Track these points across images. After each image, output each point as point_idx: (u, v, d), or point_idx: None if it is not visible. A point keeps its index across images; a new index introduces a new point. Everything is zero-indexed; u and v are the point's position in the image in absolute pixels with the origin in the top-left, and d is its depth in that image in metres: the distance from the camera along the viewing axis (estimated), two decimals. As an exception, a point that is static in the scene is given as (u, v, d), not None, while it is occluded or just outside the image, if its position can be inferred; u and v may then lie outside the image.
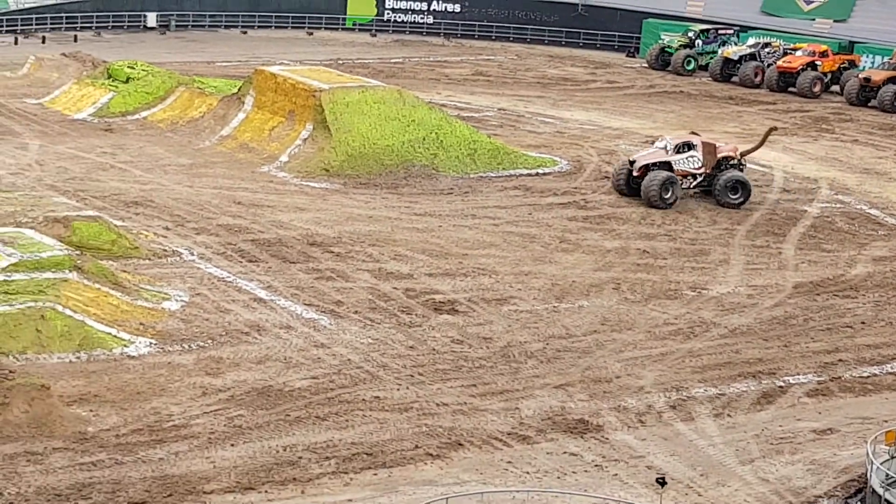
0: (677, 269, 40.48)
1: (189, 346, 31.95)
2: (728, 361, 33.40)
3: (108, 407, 28.31)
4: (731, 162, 48.59)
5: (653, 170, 47.30)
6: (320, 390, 29.84)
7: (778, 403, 31.12)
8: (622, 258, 41.24)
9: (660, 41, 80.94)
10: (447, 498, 23.79)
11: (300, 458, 26.66)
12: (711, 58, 77.54)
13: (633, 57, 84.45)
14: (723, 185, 47.72)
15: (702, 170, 47.87)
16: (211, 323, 33.50)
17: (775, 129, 53.65)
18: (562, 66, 79.80)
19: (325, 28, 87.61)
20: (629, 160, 48.43)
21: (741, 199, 47.71)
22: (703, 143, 48.37)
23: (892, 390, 32.41)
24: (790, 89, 72.74)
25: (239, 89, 55.48)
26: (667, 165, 47.54)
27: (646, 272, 40.00)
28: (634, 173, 47.63)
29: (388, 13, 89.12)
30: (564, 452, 27.80)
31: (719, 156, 48.34)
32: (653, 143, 50.14)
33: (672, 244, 43.03)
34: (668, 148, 47.96)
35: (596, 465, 27.29)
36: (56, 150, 51.01)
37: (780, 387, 32.09)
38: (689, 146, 47.95)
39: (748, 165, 50.04)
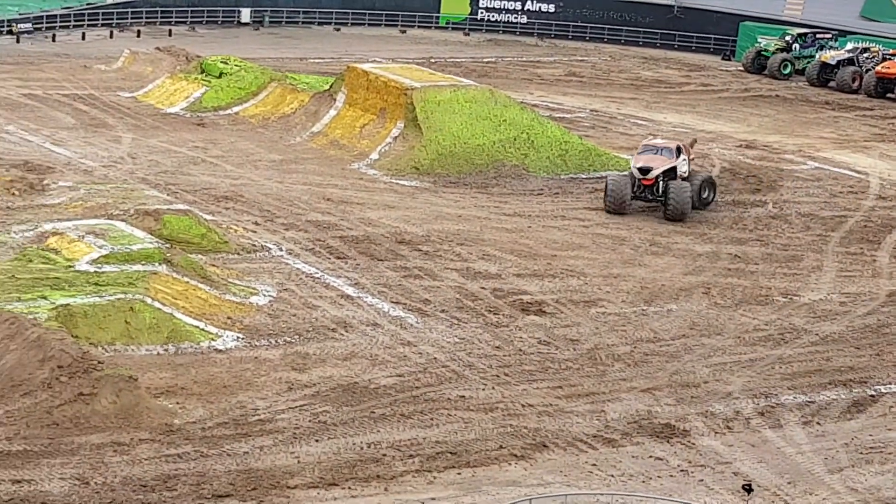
0: (769, 275, 40.05)
1: (276, 342, 32.06)
2: (818, 369, 32.97)
3: (194, 400, 28.48)
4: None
5: (664, 179, 45.16)
6: (406, 388, 29.82)
7: (868, 412, 30.66)
8: (713, 262, 40.88)
9: (756, 44, 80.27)
10: (531, 499, 23.67)
11: (384, 455, 26.64)
12: (808, 62, 76.83)
13: (729, 60, 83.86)
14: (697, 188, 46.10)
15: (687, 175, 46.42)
16: (298, 319, 33.61)
17: (696, 140, 51.27)
18: (656, 67, 79.38)
19: (419, 26, 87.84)
20: (637, 167, 45.29)
21: (712, 198, 46.83)
22: (685, 147, 46.96)
23: None
24: (888, 95, 71.90)
25: (331, 86, 55.69)
26: (673, 171, 45.54)
27: (736, 277, 39.61)
28: (644, 182, 45.12)
29: (482, 12, 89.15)
30: (650, 456, 27.56)
31: None
32: (641, 150, 46.61)
33: (764, 249, 42.59)
34: (665, 152, 45.74)
35: (682, 471, 27.03)
36: (148, 144, 51.51)
37: (872, 396, 31.61)
38: (679, 150, 46.04)
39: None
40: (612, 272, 39.10)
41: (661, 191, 45.10)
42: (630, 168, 46.09)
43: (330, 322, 33.49)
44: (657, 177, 44.98)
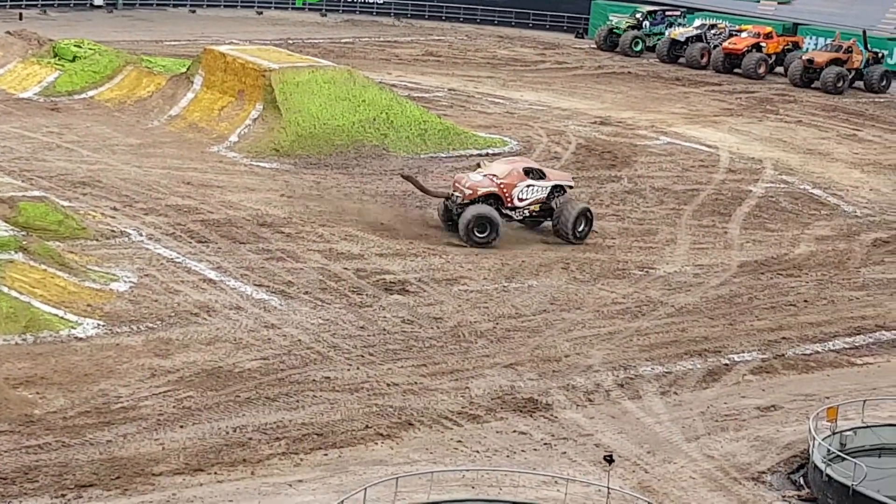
0: (625, 249, 40.80)
1: (137, 328, 31.91)
2: (675, 340, 33.76)
3: (54, 389, 28.23)
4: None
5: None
6: (270, 371, 29.94)
7: (723, 381, 31.50)
8: (570, 238, 41.48)
9: (608, 22, 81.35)
10: (397, 478, 23.95)
11: (250, 439, 26.74)
12: (659, 39, 78.07)
13: (582, 38, 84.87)
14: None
15: None
16: (160, 304, 33.48)
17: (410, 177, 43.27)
18: (511, 46, 80.00)
19: (275, 7, 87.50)
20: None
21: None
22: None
23: (834, 367, 32.89)
24: (735, 70, 73.44)
25: (188, 69, 55.32)
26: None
27: (594, 252, 40.28)
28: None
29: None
30: (514, 431, 28.04)
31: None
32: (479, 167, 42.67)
33: (620, 224, 43.34)
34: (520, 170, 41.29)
35: (545, 444, 27.55)
36: (0, 130, 50.71)
37: (726, 364, 32.48)
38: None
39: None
40: (473, 250, 39.50)
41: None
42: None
43: (192, 307, 33.44)
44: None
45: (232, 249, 38.03)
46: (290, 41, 73.13)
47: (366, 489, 22.97)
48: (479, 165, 42.69)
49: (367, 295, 35.23)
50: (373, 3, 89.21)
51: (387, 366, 30.71)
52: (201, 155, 48.49)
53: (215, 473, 25.29)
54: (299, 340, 31.79)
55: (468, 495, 24.82)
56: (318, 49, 70.81)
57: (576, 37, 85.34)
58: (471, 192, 40.07)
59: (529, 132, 55.40)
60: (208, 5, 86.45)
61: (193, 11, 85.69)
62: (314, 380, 29.65)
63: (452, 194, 40.56)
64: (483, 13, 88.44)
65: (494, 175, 40.77)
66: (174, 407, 27.81)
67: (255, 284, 35.33)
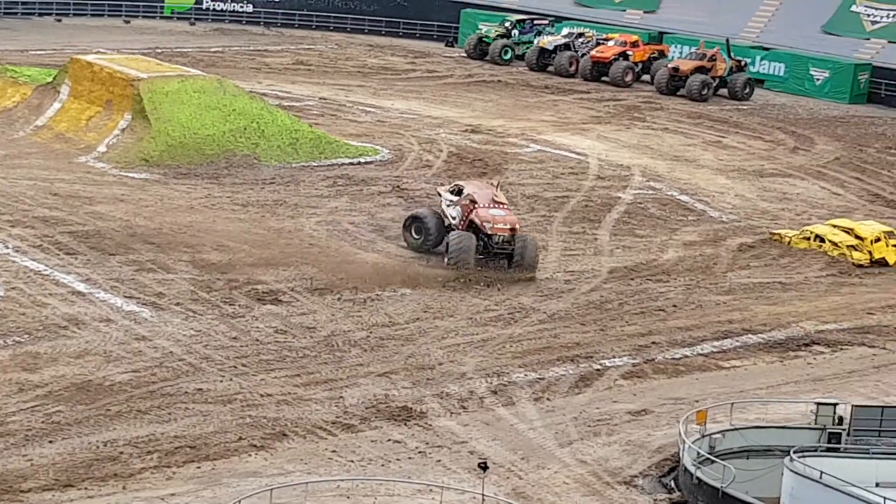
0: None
1: (4, 342, 31.42)
2: (547, 346, 34.09)
3: (-79, 404, 27.79)
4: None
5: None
6: (141, 384, 29.69)
7: (595, 386, 31.89)
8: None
9: (478, 31, 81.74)
10: (271, 489, 23.91)
11: (121, 453, 26.51)
12: (528, 47, 78.66)
13: (452, 46, 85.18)
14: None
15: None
16: (27, 317, 33.03)
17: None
18: (382, 55, 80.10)
19: (143, 16, 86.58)
20: (509, 228, 39.44)
21: None
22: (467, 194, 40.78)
23: (703, 371, 33.46)
24: (603, 78, 74.23)
25: (54, 78, 54.60)
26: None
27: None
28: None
29: (207, 1, 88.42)
30: (388, 440, 28.13)
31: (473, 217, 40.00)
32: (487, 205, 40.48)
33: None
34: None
35: (419, 452, 27.67)
36: None
37: (597, 370, 32.88)
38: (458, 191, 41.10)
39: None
40: (347, 258, 39.53)
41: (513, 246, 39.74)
42: (471, 222, 39.84)
43: (61, 320, 33.04)
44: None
45: (101, 261, 37.62)
46: (159, 50, 72.49)
47: (240, 501, 22.91)
48: (458, 190, 40.89)
49: (239, 305, 35.09)
50: (242, 11, 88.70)
51: (260, 376, 30.63)
52: (69, 166, 47.88)
53: (86, 489, 25.04)
54: (171, 352, 31.56)
55: (343, 505, 24.88)
56: (188, 58, 70.24)
57: (446, 45, 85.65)
58: (511, 226, 39.51)
59: (401, 141, 55.54)
60: (74, 14, 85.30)
61: (59, 20, 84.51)
62: (186, 392, 29.46)
63: (492, 234, 39.25)
64: (353, 22, 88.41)
65: (503, 203, 40.59)
66: (43, 422, 27.46)
67: (125, 296, 35.00)
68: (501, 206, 40.41)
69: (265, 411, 28.86)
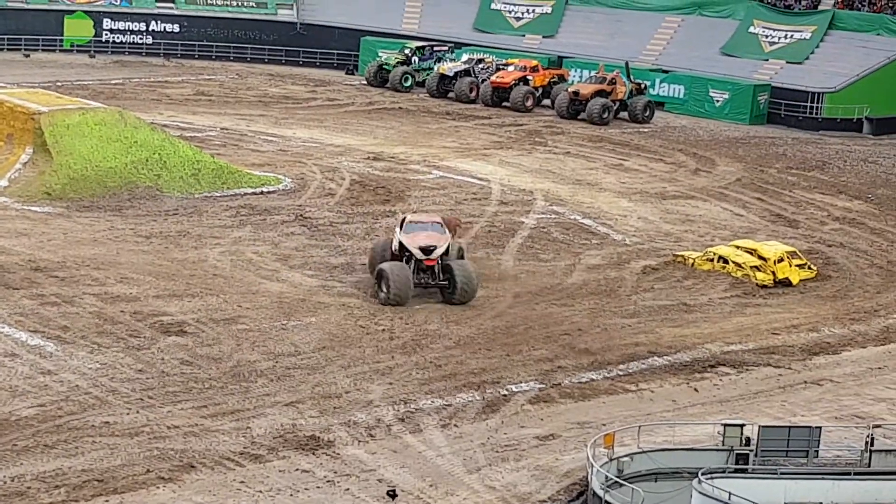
0: (400, 284, 41.11)
1: None
2: (453, 372, 34.20)
3: None
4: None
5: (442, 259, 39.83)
6: (48, 418, 29.44)
7: (502, 412, 32.04)
8: (347, 274, 41.73)
9: (378, 58, 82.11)
10: (181, 521, 23.86)
11: (28, 488, 26.26)
12: (428, 74, 79.06)
13: (353, 74, 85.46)
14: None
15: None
16: (-70, 354, 32.67)
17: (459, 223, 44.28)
18: (282, 84, 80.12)
19: (42, 49, 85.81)
20: (418, 247, 39.51)
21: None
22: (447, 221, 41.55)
23: (609, 394, 33.72)
24: (504, 104, 74.74)
25: (-47, 113, 54.02)
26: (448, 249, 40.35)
27: (371, 286, 40.50)
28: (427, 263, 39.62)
29: (107, 34, 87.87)
30: (296, 469, 28.10)
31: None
32: (409, 228, 40.39)
33: (396, 259, 43.69)
34: (435, 227, 40.63)
35: (328, 481, 27.68)
36: None
37: (504, 395, 33.03)
38: (445, 225, 41.10)
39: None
40: (251, 289, 39.47)
41: (441, 272, 39.64)
42: (397, 246, 40.09)
43: (-35, 356, 32.69)
44: (439, 257, 39.74)
45: (5, 295, 37.23)
46: (59, 83, 71.94)
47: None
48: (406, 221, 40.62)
49: (144, 337, 34.90)
50: (142, 43, 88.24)
51: (167, 408, 30.48)
52: (-31, 200, 47.37)
53: (-7, 526, 24.80)
54: (77, 386, 31.33)
55: (254, 536, 24.83)
56: (88, 91, 69.79)
57: (346, 73, 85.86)
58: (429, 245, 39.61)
59: (303, 169, 55.56)
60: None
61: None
62: (93, 425, 29.26)
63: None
64: (253, 51, 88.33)
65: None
66: (-52, 459, 27.15)
67: (30, 330, 34.68)
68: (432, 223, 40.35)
69: (172, 443, 28.73)
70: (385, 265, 39.28)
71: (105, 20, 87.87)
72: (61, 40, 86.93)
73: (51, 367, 32.39)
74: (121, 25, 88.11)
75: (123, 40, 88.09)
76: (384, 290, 38.79)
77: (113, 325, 35.55)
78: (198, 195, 49.95)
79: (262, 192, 51.25)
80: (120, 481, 26.83)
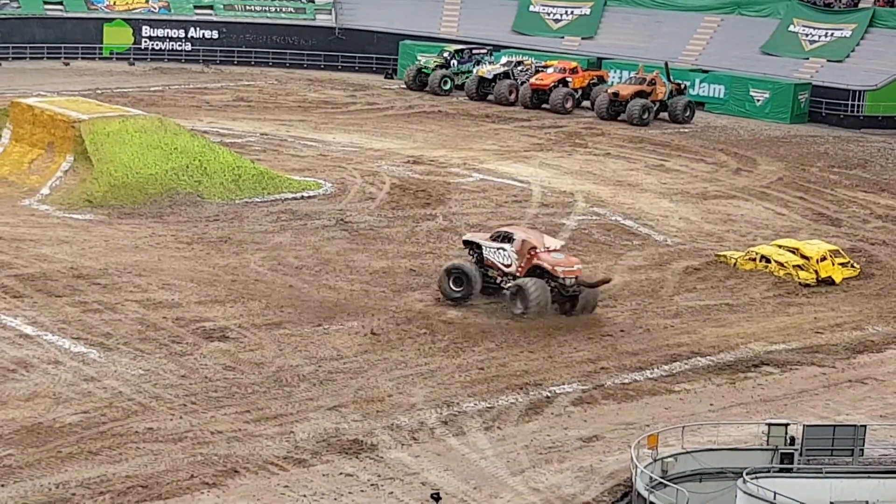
0: (443, 287, 41.09)
1: (-47, 387, 31.26)
2: (496, 375, 34.15)
3: None
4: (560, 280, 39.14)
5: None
6: (91, 425, 29.55)
7: (545, 414, 31.97)
8: (390, 278, 41.74)
9: (416, 62, 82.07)
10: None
11: (73, 494, 26.36)
12: (467, 77, 79.02)
13: (392, 78, 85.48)
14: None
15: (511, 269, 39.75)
16: (-25, 362, 32.84)
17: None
18: (322, 89, 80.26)
19: (82, 58, 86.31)
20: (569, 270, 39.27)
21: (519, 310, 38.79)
22: (522, 240, 40.08)
23: (652, 395, 33.60)
24: (543, 106, 74.65)
25: (-5, 122, 54.41)
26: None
27: (412, 291, 40.52)
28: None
29: (146, 41, 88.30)
30: (340, 473, 28.11)
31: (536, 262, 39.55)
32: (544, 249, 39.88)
33: (437, 262, 43.65)
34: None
35: (372, 485, 27.66)
36: None
37: (547, 397, 32.97)
38: (507, 238, 40.28)
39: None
40: (293, 293, 39.51)
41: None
42: (535, 268, 39.32)
43: (9, 363, 32.83)
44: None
45: (48, 303, 37.44)
46: (99, 91, 72.32)
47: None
48: (506, 237, 40.09)
49: (187, 343, 35.00)
50: (181, 50, 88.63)
51: (210, 414, 30.55)
52: (12, 209, 47.65)
53: (39, 532, 24.90)
54: (120, 392, 31.44)
55: (298, 540, 24.84)
56: (128, 98, 70.16)
57: (385, 77, 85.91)
58: (578, 268, 39.54)
59: (343, 174, 55.63)
60: (14, 58, 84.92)
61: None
62: (136, 431, 29.35)
63: (560, 278, 38.90)
64: (292, 57, 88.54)
65: (555, 250, 40.12)
66: (-6, 466, 27.29)
67: (73, 338, 34.84)
68: (560, 249, 40.28)
69: (216, 448, 28.78)
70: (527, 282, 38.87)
71: (144, 27, 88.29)
72: (101, 48, 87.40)
73: (94, 373, 32.52)
74: (160, 32, 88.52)
75: (162, 47, 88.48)
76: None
77: (155, 332, 35.66)
78: (238, 201, 50.09)
79: (302, 197, 51.33)
80: (164, 487, 26.90)
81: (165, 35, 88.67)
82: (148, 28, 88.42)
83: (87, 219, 46.85)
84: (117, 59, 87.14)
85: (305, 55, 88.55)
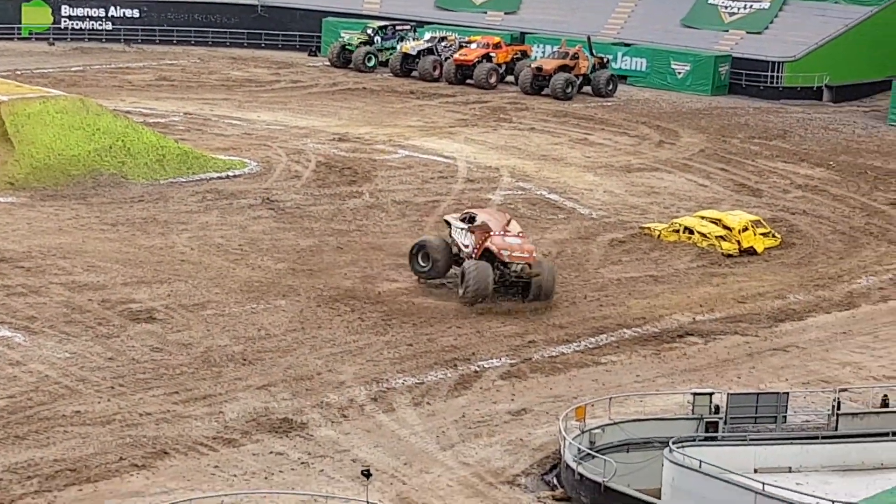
0: (371, 263, 41.17)
1: None
2: (425, 351, 34.28)
3: None
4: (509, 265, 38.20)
5: None
6: (18, 409, 29.37)
7: (474, 388, 32.15)
8: (317, 256, 41.72)
9: (340, 39, 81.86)
10: (155, 508, 23.87)
11: (0, 479, 26.21)
12: (391, 53, 78.96)
13: (315, 56, 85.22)
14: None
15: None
16: None
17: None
18: (245, 67, 79.88)
19: (0, 38, 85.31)
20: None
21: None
22: (481, 222, 39.38)
23: (580, 367, 33.88)
24: (468, 81, 74.77)
25: (-88, 106, 53.65)
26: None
27: (338, 268, 40.54)
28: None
29: (65, 20, 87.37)
30: (270, 452, 28.14)
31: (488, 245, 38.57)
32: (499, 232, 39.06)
33: (365, 239, 43.73)
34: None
35: (302, 463, 27.72)
36: None
37: (476, 372, 33.15)
38: (471, 219, 39.72)
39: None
40: (220, 273, 39.41)
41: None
42: (486, 251, 38.47)
43: (-67, 349, 32.59)
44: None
45: (-30, 288, 37.13)
46: (18, 72, 71.51)
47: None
48: (471, 218, 39.60)
49: (113, 325, 34.83)
50: (101, 29, 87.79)
51: (138, 395, 30.45)
52: (-68, 193, 47.12)
53: (-34, 518, 24.76)
54: (46, 376, 31.25)
55: (229, 520, 24.86)
56: (48, 79, 69.44)
57: (309, 55, 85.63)
58: (529, 254, 38.24)
59: (269, 152, 55.46)
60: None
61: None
62: (64, 415, 29.21)
63: (506, 263, 37.91)
64: (214, 35, 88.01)
65: (517, 233, 39.21)
66: (-81, 454, 27.08)
67: (-3, 322, 34.61)
68: (519, 234, 39.25)
69: (145, 430, 28.71)
70: (467, 264, 38.21)
71: (63, 7, 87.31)
72: (19, 28, 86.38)
73: (19, 357, 32.29)
74: (80, 12, 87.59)
75: (83, 27, 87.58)
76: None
77: (81, 314, 35.46)
78: (163, 181, 49.81)
79: (227, 177, 51.15)
80: (93, 470, 26.81)
81: (85, 14, 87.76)
82: (67, 7, 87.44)
83: (8, 201, 46.40)
84: (36, 39, 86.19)
85: (228, 33, 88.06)
